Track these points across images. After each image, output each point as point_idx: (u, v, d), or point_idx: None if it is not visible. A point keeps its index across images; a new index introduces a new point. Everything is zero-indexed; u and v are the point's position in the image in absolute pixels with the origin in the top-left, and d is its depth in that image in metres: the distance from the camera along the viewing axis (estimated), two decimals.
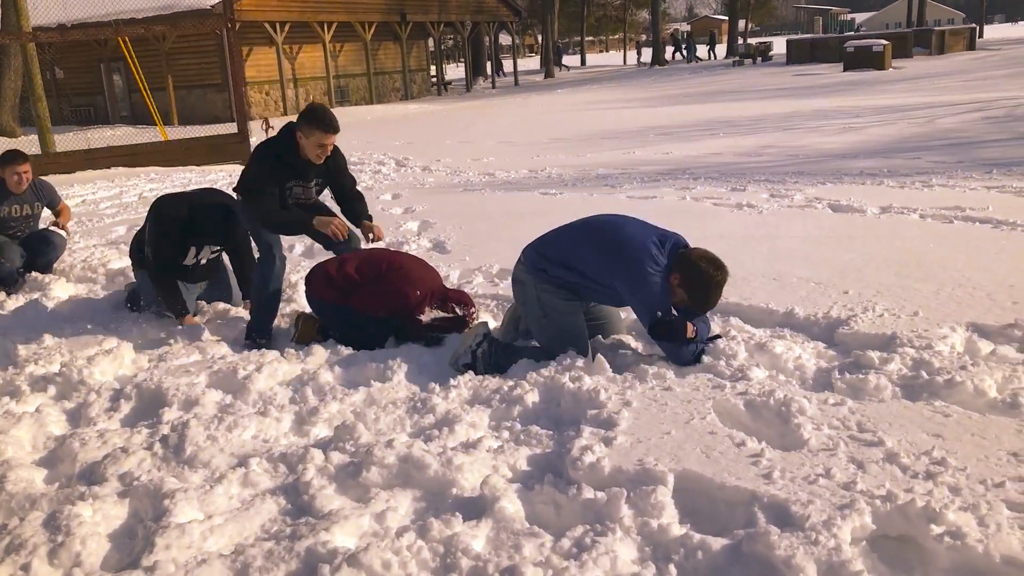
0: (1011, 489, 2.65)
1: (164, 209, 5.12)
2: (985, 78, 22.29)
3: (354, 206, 5.02)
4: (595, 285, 4.03)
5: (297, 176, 4.77)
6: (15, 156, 6.44)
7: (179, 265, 5.18)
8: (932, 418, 3.20)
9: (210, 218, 5.04)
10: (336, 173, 4.98)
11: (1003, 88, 18.56)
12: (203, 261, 5.28)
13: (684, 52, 49.73)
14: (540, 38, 60.12)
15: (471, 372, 4.06)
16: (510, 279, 4.44)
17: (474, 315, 4.71)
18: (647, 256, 3.82)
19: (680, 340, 3.87)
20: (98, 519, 2.89)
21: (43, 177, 7.17)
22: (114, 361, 4.49)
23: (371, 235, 4.87)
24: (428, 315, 4.53)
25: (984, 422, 3.16)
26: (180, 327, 5.03)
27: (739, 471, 2.87)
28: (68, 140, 16.56)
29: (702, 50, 51.22)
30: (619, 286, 3.90)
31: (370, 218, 4.99)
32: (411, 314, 4.51)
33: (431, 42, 38.71)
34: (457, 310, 4.60)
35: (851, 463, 2.88)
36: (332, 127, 4.59)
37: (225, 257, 5.47)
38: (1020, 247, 5.61)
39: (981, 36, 44.61)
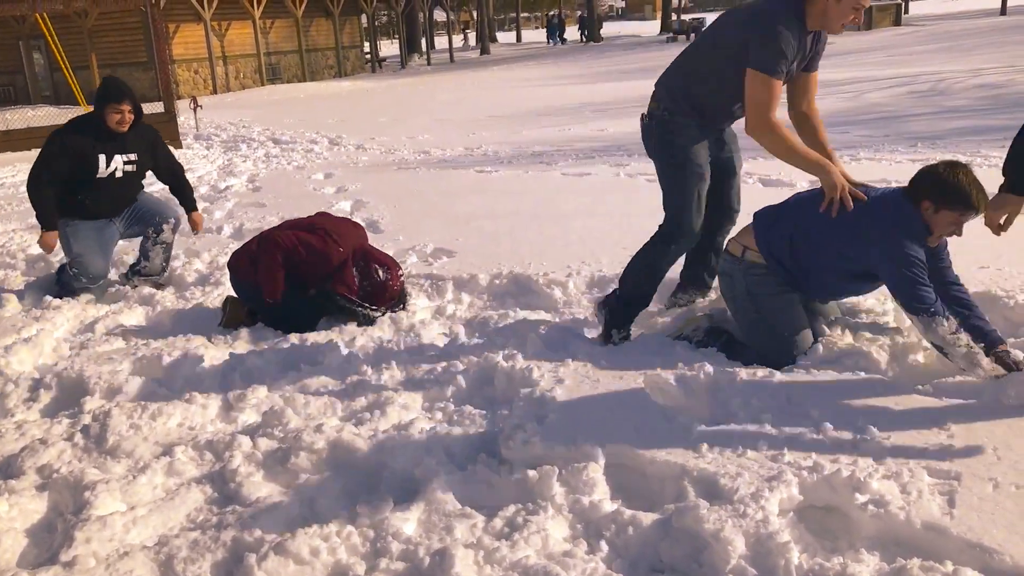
0: (932, 456, 2.71)
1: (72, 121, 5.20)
2: (911, 53, 22.77)
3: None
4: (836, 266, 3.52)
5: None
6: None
7: (92, 181, 5.09)
8: (858, 388, 3.25)
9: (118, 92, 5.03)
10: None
11: (928, 63, 18.99)
12: (118, 174, 5.17)
13: (559, 37, 49.42)
14: (475, 14, 59.72)
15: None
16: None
17: (400, 278, 4.63)
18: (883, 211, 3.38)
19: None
20: (15, 514, 2.79)
21: None
22: (33, 350, 4.34)
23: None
24: (354, 277, 4.45)
25: (908, 391, 3.21)
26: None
27: (669, 446, 2.88)
28: None
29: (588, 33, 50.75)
30: (873, 253, 3.38)
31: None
32: (337, 275, 4.43)
33: (364, 18, 38.15)
34: (380, 272, 4.51)
35: (779, 435, 2.91)
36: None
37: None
38: None
39: (907, 12, 45.51)
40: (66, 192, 5.09)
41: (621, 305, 4.01)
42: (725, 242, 3.97)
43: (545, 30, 49.81)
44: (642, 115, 3.99)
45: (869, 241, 3.39)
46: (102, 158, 5.09)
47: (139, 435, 3.29)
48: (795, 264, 3.58)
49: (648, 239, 4.00)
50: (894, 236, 3.33)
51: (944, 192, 3.31)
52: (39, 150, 5.05)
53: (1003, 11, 38.64)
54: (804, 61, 3.71)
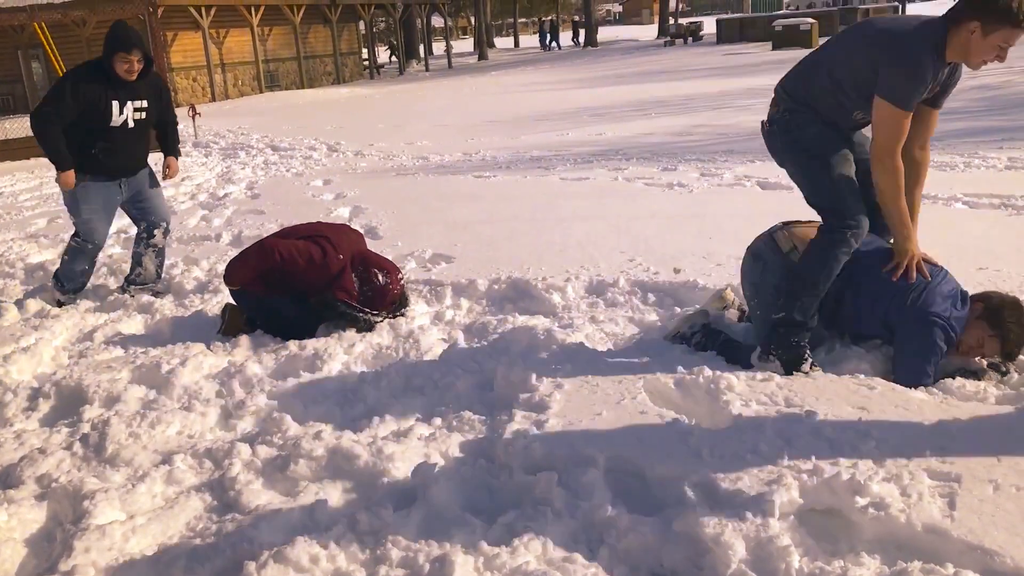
0: (932, 458, 2.70)
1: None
2: None
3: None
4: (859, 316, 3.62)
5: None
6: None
7: (105, 131, 5.00)
8: (857, 391, 3.25)
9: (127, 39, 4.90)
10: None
11: None
12: (130, 123, 5.09)
13: (556, 42, 49.90)
14: (473, 20, 59.85)
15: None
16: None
17: (400, 281, 4.62)
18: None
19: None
20: (14, 524, 2.79)
21: None
22: (32, 359, 4.34)
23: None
24: (353, 282, 4.44)
25: (907, 393, 3.22)
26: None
27: (669, 450, 2.88)
28: None
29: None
30: (896, 319, 3.48)
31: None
32: (336, 282, 4.43)
33: (362, 25, 38.20)
34: (379, 277, 4.50)
35: (778, 438, 2.90)
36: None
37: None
38: (939, 219, 5.73)
39: (904, 14, 45.57)
40: (80, 145, 5.00)
41: (798, 329, 3.56)
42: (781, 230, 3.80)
43: (538, 35, 50.69)
44: (762, 123, 3.83)
45: (911, 312, 3.42)
46: (115, 104, 5.00)
47: (138, 443, 3.28)
48: (836, 302, 3.60)
49: (811, 244, 3.59)
50: (933, 323, 3.38)
51: (995, 315, 3.42)
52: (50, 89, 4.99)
53: None
54: (931, 93, 3.43)
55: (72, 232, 5.35)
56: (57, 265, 5.50)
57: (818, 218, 3.65)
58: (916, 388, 3.30)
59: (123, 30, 4.91)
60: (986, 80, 14.49)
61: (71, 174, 5.00)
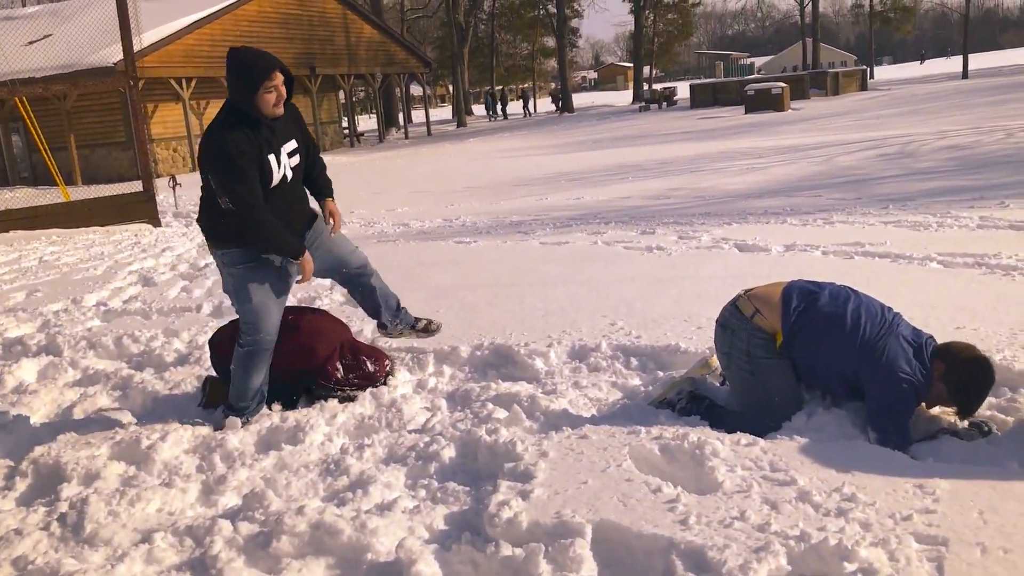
0: (919, 521, 2.70)
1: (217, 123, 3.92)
2: (878, 117, 23.33)
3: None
4: (828, 375, 3.63)
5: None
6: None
7: (268, 190, 3.94)
8: (842, 454, 3.25)
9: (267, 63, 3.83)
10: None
11: (895, 126, 19.42)
12: (289, 175, 4.02)
13: (500, 110, 51.25)
14: (451, 88, 60.81)
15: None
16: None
17: (387, 367, 4.63)
18: (901, 356, 3.43)
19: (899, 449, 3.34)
20: None
21: None
22: (9, 436, 4.27)
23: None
24: (338, 371, 4.45)
25: (891, 455, 3.22)
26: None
27: (656, 518, 2.86)
28: None
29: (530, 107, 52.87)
30: (863, 377, 3.49)
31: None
32: (319, 370, 4.41)
33: (342, 94, 38.68)
34: (368, 365, 4.52)
35: (765, 504, 2.90)
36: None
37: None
38: (918, 279, 5.81)
39: (872, 77, 46.77)
40: (236, 224, 3.91)
41: None
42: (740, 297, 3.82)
43: (485, 104, 52.66)
44: None
45: (876, 371, 3.43)
46: (272, 159, 3.92)
47: (117, 522, 3.22)
48: (807, 364, 3.64)
49: None
50: (900, 379, 3.39)
51: (954, 378, 3.40)
52: (212, 174, 3.83)
53: (965, 75, 39.81)
54: None
55: (239, 334, 4.20)
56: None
57: (779, 278, 3.72)
58: (896, 450, 3.31)
59: (253, 54, 3.86)
60: (955, 140, 14.82)
61: (309, 259, 4.09)
